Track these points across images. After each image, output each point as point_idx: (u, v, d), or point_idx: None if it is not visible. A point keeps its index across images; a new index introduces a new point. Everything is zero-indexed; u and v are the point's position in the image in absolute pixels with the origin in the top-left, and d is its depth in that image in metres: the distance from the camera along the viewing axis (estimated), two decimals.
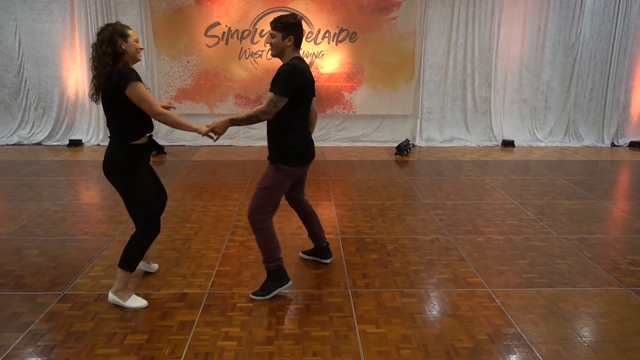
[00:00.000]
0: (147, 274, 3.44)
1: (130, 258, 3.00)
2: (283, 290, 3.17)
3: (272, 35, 2.97)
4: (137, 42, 2.86)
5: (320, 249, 3.67)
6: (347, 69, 7.85)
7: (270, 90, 2.87)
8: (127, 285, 3.05)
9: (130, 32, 2.84)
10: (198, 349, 2.61)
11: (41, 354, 2.55)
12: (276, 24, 2.94)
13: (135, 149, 2.88)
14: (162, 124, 2.94)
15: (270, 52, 3.07)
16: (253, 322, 2.86)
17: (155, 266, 3.51)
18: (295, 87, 2.89)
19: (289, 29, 2.94)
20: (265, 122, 3.01)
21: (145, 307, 3.01)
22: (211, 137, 3.02)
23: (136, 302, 3.02)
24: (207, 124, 2.99)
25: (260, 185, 3.08)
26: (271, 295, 3.14)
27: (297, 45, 3.01)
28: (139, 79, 2.76)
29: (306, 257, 3.75)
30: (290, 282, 3.19)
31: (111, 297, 3.03)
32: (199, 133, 2.95)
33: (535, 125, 8.41)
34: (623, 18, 7.86)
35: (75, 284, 3.30)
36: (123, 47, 2.77)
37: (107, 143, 2.96)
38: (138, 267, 3.23)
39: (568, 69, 8.12)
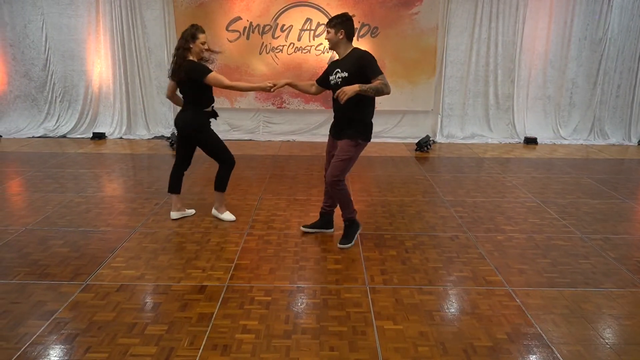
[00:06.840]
0: (171, 261, 3.50)
1: (224, 183, 4.30)
2: (359, 232, 3.91)
3: (327, 32, 3.59)
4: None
5: (329, 219, 4.07)
6: None
7: (377, 73, 3.50)
8: (222, 203, 4.37)
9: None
10: (216, 340, 2.64)
11: (64, 342, 2.62)
12: (329, 22, 3.56)
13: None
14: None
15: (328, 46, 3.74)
16: (271, 316, 2.88)
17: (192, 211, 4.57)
18: None
19: (339, 25, 3.54)
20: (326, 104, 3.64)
21: (234, 221, 4.31)
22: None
23: (230, 216, 4.37)
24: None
25: (339, 158, 3.61)
26: (354, 240, 3.83)
27: (349, 38, 3.63)
28: None
29: (309, 230, 4.08)
30: (361, 226, 3.95)
31: (213, 212, 4.40)
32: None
33: (559, 122, 8.24)
34: None
35: (98, 274, 3.37)
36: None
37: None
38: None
39: (594, 65, 7.93)
